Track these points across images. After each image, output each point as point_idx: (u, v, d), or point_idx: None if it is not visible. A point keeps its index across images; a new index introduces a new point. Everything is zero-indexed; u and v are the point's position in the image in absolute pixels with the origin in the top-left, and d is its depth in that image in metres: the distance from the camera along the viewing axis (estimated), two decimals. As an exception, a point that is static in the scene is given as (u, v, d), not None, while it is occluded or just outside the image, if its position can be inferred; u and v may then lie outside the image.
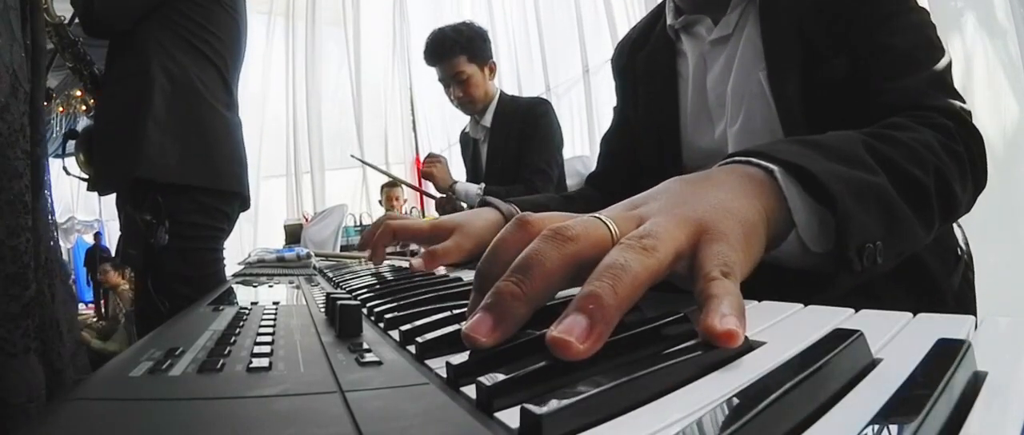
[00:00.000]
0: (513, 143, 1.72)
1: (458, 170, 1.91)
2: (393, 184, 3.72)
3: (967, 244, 0.69)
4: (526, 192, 1.57)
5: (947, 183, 0.47)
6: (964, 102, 0.56)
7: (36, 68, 0.78)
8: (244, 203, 1.38)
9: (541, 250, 0.27)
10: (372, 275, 0.67)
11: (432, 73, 1.83)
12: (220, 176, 1.27)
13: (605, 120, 0.95)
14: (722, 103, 0.69)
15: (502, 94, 1.82)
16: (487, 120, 1.78)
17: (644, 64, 0.81)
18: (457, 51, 1.72)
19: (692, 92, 0.73)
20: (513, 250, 0.29)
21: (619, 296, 0.24)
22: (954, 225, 0.67)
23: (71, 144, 1.65)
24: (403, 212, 3.54)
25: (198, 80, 1.24)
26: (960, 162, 0.49)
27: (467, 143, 1.94)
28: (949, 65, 0.58)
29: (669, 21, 0.76)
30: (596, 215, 0.30)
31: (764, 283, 0.35)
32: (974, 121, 0.55)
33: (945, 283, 0.60)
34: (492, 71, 1.79)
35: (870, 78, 0.58)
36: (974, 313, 0.66)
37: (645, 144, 0.80)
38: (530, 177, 1.64)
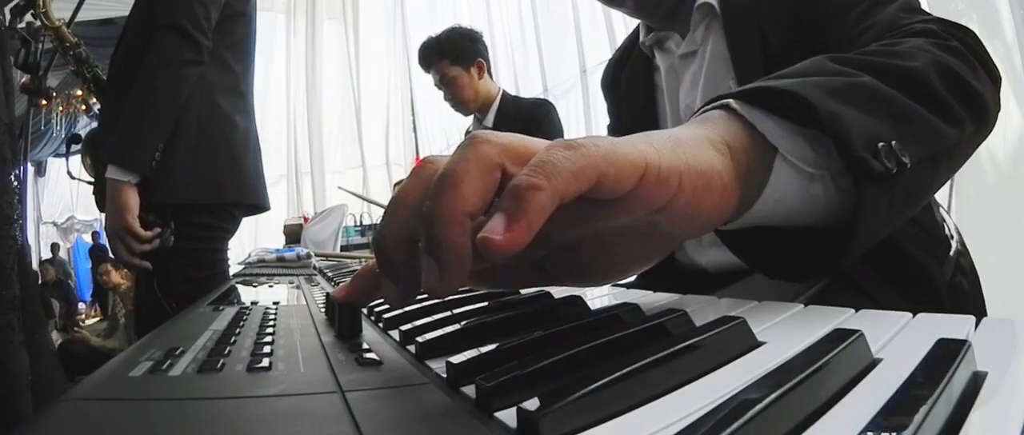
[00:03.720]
0: None
1: None
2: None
3: (959, 233, 0.70)
4: None
5: (953, 73, 0.40)
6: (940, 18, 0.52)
7: (8, 100, 0.90)
8: (257, 209, 1.37)
9: (554, 153, 0.23)
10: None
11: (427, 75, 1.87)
12: (245, 191, 1.27)
13: (602, 120, 0.98)
14: (690, 113, 0.72)
15: (505, 94, 1.83)
16: (489, 120, 1.79)
17: (626, 81, 0.84)
18: (438, 56, 1.76)
19: (668, 104, 0.77)
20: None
21: (547, 192, 0.21)
22: (943, 214, 0.68)
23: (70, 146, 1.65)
24: None
25: (222, 95, 1.23)
26: (960, 55, 0.43)
27: None
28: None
29: (642, 38, 0.79)
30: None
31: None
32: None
33: (937, 275, 0.61)
34: (481, 70, 1.79)
35: (844, 32, 0.55)
36: (970, 303, 0.67)
37: None
38: None
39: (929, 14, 0.52)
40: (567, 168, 0.22)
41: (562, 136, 1.77)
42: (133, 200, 1.12)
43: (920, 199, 0.36)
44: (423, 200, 0.23)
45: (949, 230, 0.68)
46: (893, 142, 0.31)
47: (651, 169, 0.25)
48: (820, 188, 0.32)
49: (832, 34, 0.57)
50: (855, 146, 0.30)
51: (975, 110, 0.41)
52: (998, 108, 0.45)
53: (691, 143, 0.28)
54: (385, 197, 5.19)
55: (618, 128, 0.89)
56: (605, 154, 0.23)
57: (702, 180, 0.27)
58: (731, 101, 0.31)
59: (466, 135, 1.98)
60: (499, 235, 0.21)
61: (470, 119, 1.93)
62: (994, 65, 0.47)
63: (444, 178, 0.22)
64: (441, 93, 1.86)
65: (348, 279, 0.33)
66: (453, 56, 1.75)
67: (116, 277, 4.24)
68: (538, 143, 0.24)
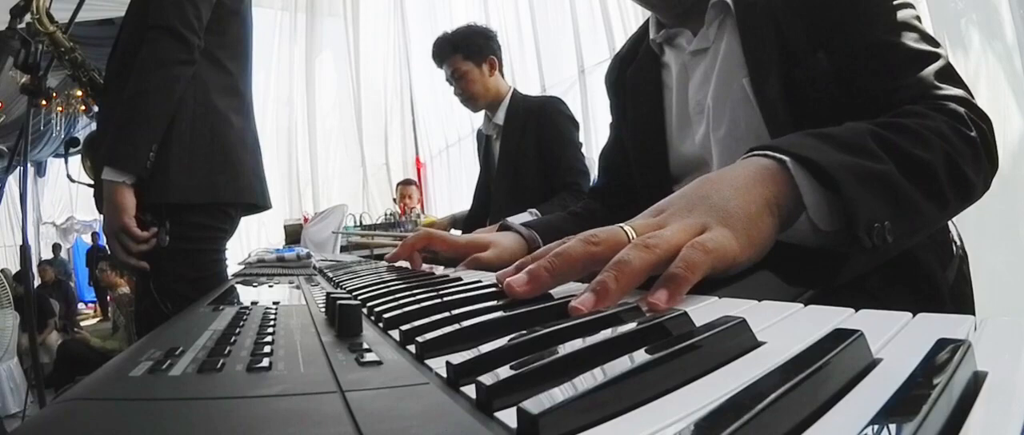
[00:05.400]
0: (526, 140, 1.73)
1: (472, 166, 1.93)
2: (407, 183, 3.79)
3: (961, 238, 0.70)
4: (571, 198, 1.58)
5: (957, 166, 0.50)
6: (970, 92, 0.58)
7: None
8: (255, 208, 1.37)
9: (572, 245, 0.38)
10: (372, 275, 0.67)
11: (431, 74, 1.90)
12: (242, 190, 1.27)
13: (601, 121, 0.98)
14: (701, 109, 0.73)
15: (515, 92, 1.85)
16: (499, 117, 1.81)
17: (632, 78, 0.85)
18: (450, 50, 1.79)
19: (676, 101, 0.77)
20: None
21: (619, 283, 0.33)
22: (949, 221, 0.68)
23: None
24: (412, 210, 3.56)
25: (218, 94, 1.23)
26: (973, 146, 0.52)
27: (481, 140, 1.97)
28: (947, 58, 0.60)
29: (652, 36, 0.80)
30: (621, 224, 0.40)
31: (789, 267, 0.45)
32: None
33: (940, 277, 0.61)
34: (493, 67, 1.81)
35: (874, 73, 0.59)
36: (971, 306, 0.67)
37: (635, 153, 0.84)
38: (574, 180, 1.66)
39: (960, 91, 0.57)
40: (703, 266, 0.35)
41: (574, 128, 1.79)
42: (129, 200, 1.12)
43: (898, 251, 0.46)
44: (587, 262, 0.38)
45: (954, 235, 0.69)
46: (886, 223, 0.43)
47: (737, 262, 0.38)
48: (822, 237, 0.45)
49: (854, 58, 0.60)
50: (858, 227, 0.41)
51: (964, 196, 0.52)
52: (987, 187, 0.56)
53: (758, 216, 0.40)
54: (386, 198, 5.21)
55: (622, 125, 0.89)
56: (715, 260, 0.36)
57: (760, 252, 0.41)
58: (789, 162, 0.43)
59: (478, 136, 2.00)
60: (662, 301, 0.32)
61: (480, 119, 1.95)
62: (997, 152, 0.56)
63: (622, 263, 0.34)
64: (441, 95, 1.88)
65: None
66: (465, 51, 1.78)
67: (115, 276, 4.23)
68: (677, 243, 0.36)
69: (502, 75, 1.85)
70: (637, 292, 0.36)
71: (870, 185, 0.43)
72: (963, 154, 0.50)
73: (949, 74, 0.58)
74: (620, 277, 0.33)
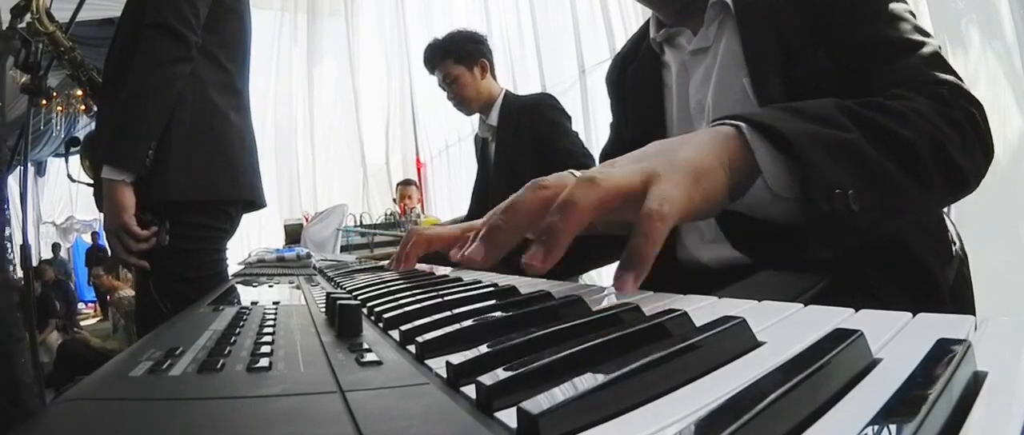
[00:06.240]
0: (521, 139, 1.74)
1: (472, 166, 1.95)
2: (407, 183, 3.81)
3: (961, 240, 0.70)
4: None
5: (941, 147, 0.48)
6: (961, 79, 0.57)
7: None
8: (252, 206, 1.37)
9: (522, 195, 0.38)
10: (372, 275, 0.67)
11: (431, 76, 1.91)
12: (241, 188, 1.27)
13: (601, 120, 0.98)
14: (702, 109, 0.73)
15: (508, 94, 1.86)
16: (493, 119, 1.82)
17: (633, 77, 0.85)
18: (441, 56, 1.81)
19: (676, 100, 0.77)
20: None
21: (568, 224, 0.32)
22: (947, 221, 0.68)
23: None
24: (412, 210, 3.58)
25: (216, 92, 1.23)
26: (958, 128, 0.51)
27: (478, 143, 1.98)
28: (939, 47, 0.60)
29: (652, 35, 0.80)
30: (570, 170, 0.40)
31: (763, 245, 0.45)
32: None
33: (940, 277, 0.61)
34: (484, 70, 1.82)
35: (870, 66, 0.60)
36: (971, 309, 0.67)
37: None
38: (579, 162, 1.67)
39: (949, 76, 0.56)
40: (665, 222, 0.34)
41: (566, 120, 1.81)
42: (128, 199, 1.12)
43: (877, 230, 0.44)
44: (540, 210, 0.36)
45: (953, 236, 0.69)
46: (850, 191, 0.41)
47: (688, 211, 0.37)
48: (780, 204, 0.44)
49: (854, 54, 0.60)
50: (813, 189, 0.40)
51: (951, 180, 0.49)
52: (981, 177, 0.53)
53: (709, 169, 0.39)
54: (386, 198, 5.20)
55: (623, 124, 0.89)
56: (680, 211, 0.35)
57: (713, 207, 0.40)
58: (745, 129, 0.42)
59: (475, 139, 2.02)
60: (631, 279, 0.33)
61: (475, 120, 1.95)
62: (991, 140, 0.54)
63: (567, 204, 0.34)
64: (441, 95, 1.89)
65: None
66: (457, 56, 1.79)
67: (109, 280, 4.23)
68: (625, 183, 0.35)
69: (494, 77, 1.86)
70: (641, 290, 0.36)
71: (830, 150, 0.42)
72: (949, 136, 0.49)
73: (937, 61, 0.58)
74: (567, 217, 0.32)
